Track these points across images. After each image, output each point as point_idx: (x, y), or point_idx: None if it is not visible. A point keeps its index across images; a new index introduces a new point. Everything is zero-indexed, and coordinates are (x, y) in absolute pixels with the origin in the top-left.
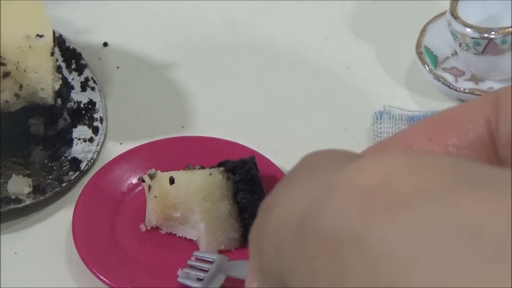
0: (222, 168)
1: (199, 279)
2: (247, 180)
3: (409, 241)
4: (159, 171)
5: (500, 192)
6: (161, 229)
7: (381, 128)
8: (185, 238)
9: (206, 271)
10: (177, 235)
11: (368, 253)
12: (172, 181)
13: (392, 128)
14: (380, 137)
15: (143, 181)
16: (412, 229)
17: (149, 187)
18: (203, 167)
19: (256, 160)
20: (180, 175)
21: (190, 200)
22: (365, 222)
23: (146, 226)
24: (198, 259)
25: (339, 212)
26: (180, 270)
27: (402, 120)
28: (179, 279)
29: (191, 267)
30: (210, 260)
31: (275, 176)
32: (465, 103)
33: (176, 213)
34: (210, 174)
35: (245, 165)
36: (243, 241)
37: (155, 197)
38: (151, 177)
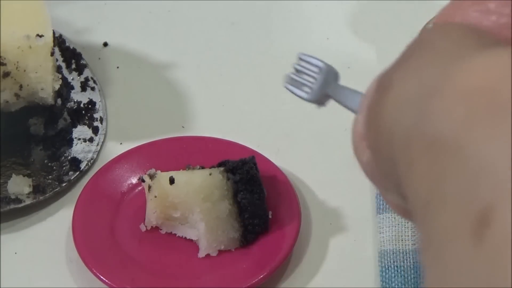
0: (222, 168)
1: (306, 87)
2: (247, 180)
3: (507, 159)
4: (159, 171)
5: None
6: (161, 229)
7: None
8: (185, 238)
9: (314, 78)
10: (177, 235)
11: (469, 165)
12: (172, 181)
13: None
14: None
15: (143, 181)
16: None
17: (149, 187)
18: (203, 167)
19: (256, 160)
20: (180, 175)
21: (190, 200)
22: (467, 129)
23: (146, 226)
24: (303, 61)
25: (443, 115)
26: (287, 74)
27: None
28: (285, 85)
29: (298, 71)
30: (318, 65)
31: (275, 176)
32: None
33: (176, 213)
34: (210, 174)
35: (245, 165)
36: (243, 241)
37: (155, 197)
38: (151, 177)
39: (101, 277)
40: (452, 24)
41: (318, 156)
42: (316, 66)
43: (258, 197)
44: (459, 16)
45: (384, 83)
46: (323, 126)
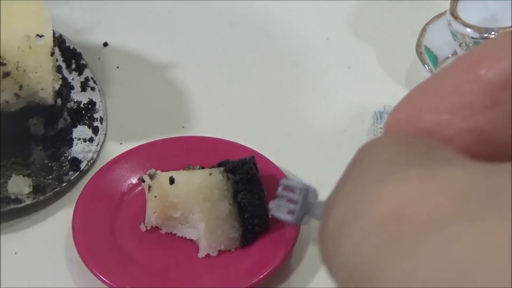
0: (222, 168)
1: (290, 211)
2: (247, 180)
3: (415, 283)
4: (159, 171)
5: (504, 217)
6: (161, 229)
7: (381, 128)
8: (185, 238)
9: (295, 201)
10: (177, 235)
11: None
12: (172, 181)
13: None
14: None
15: (143, 181)
16: (417, 269)
17: (149, 187)
18: (203, 167)
19: (256, 160)
20: (180, 175)
21: (190, 200)
22: (378, 258)
23: (146, 226)
24: (286, 188)
25: (357, 245)
26: (271, 201)
27: None
28: (272, 212)
29: (281, 196)
30: (297, 187)
31: (275, 176)
32: (495, 38)
33: (176, 213)
34: (210, 174)
35: (245, 165)
36: (243, 241)
37: (155, 197)
38: (151, 177)
39: (101, 277)
40: (389, 137)
41: (318, 156)
42: (296, 188)
43: (258, 197)
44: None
45: (326, 207)
46: (323, 126)
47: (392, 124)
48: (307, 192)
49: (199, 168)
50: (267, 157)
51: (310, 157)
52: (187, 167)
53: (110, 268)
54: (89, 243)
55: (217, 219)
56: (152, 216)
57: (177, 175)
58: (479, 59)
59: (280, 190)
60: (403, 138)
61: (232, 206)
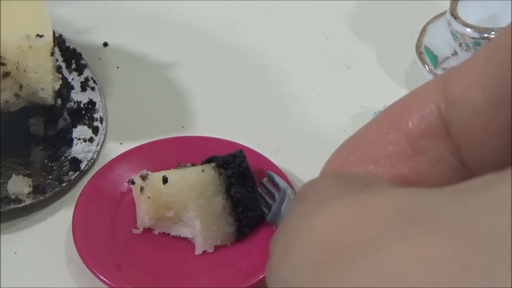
0: (213, 164)
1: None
2: (240, 174)
3: None
4: (149, 172)
5: (431, 233)
6: (153, 230)
7: None
8: (179, 237)
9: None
10: (170, 234)
11: None
12: (165, 180)
13: None
14: None
15: (133, 183)
16: None
17: (141, 188)
18: (193, 164)
19: (245, 153)
20: (172, 174)
21: (184, 198)
22: (314, 283)
23: (138, 229)
24: (270, 181)
25: (294, 271)
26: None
27: None
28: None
29: (264, 187)
30: (280, 186)
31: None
32: (416, 90)
33: (169, 213)
34: (202, 171)
35: (236, 159)
36: (238, 235)
37: (148, 198)
38: (143, 178)
39: (101, 277)
40: (327, 175)
41: (318, 156)
42: (278, 187)
43: (251, 190)
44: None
45: (270, 246)
46: (323, 126)
47: (327, 168)
48: (285, 195)
49: (190, 166)
50: (267, 157)
51: (310, 157)
52: (178, 165)
53: (110, 268)
54: (89, 243)
55: (212, 215)
56: (145, 217)
57: (170, 174)
58: (401, 110)
59: (264, 180)
60: (343, 175)
61: (226, 201)
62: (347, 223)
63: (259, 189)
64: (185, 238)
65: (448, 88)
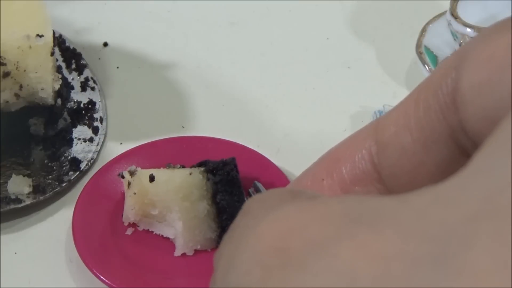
0: (202, 168)
1: None
2: (227, 182)
3: None
4: (139, 168)
5: (378, 230)
6: (138, 226)
7: None
8: (162, 236)
9: None
10: (154, 233)
11: None
12: (152, 178)
13: None
14: None
15: (123, 177)
16: None
17: (129, 183)
18: (183, 166)
19: (236, 162)
20: (160, 173)
21: (169, 198)
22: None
23: (123, 222)
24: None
25: (241, 280)
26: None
27: None
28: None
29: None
30: None
31: (274, 176)
32: (352, 135)
33: (154, 211)
34: (190, 174)
35: (226, 166)
36: (219, 242)
37: (134, 193)
38: (131, 173)
39: (101, 277)
40: (272, 191)
41: (317, 156)
42: None
43: (237, 199)
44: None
45: (214, 261)
46: (323, 126)
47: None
48: None
49: (180, 167)
50: (267, 157)
51: (310, 157)
52: (168, 165)
53: (110, 268)
54: (89, 243)
55: (195, 219)
56: (130, 212)
57: (158, 173)
58: (335, 156)
59: (251, 190)
60: (288, 189)
61: (210, 206)
62: (292, 228)
63: (245, 198)
64: (168, 238)
65: (380, 132)
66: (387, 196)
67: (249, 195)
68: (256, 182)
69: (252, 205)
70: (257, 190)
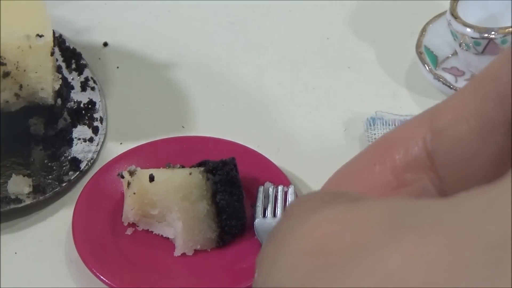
0: (202, 168)
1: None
2: (227, 181)
3: None
4: (138, 168)
5: (427, 234)
6: (138, 226)
7: (374, 134)
8: (161, 236)
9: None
10: (153, 233)
11: None
12: (152, 178)
13: None
14: None
15: (122, 177)
16: None
17: (128, 183)
18: (183, 166)
19: (236, 162)
20: (160, 173)
21: (168, 198)
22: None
23: (123, 222)
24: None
25: (283, 281)
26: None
27: (395, 124)
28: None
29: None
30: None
31: (274, 176)
32: (406, 122)
33: (154, 211)
34: (190, 174)
35: (226, 166)
36: (219, 242)
37: (134, 193)
38: (131, 173)
39: (101, 277)
40: (315, 193)
41: (317, 156)
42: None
43: (236, 199)
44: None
45: (257, 263)
46: (323, 126)
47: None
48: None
49: (180, 167)
50: (267, 156)
51: (310, 156)
52: (167, 165)
53: (110, 268)
54: (89, 243)
55: (194, 218)
56: (129, 212)
57: (157, 173)
58: (389, 142)
59: (261, 189)
60: (330, 192)
61: (210, 206)
62: (336, 230)
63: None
64: (167, 238)
65: (435, 120)
66: (435, 199)
67: (257, 194)
68: (267, 182)
69: (294, 207)
70: (267, 190)
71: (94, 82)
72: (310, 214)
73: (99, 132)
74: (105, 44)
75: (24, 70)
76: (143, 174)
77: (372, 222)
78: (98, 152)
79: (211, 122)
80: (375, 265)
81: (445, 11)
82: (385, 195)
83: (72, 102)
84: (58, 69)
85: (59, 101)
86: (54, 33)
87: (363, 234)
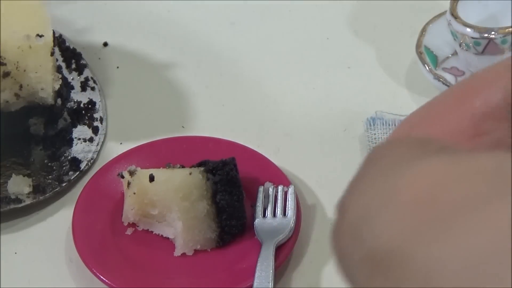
0: (202, 168)
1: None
2: (227, 181)
3: (455, 260)
4: (138, 168)
5: None
6: (138, 226)
7: (374, 134)
8: (162, 236)
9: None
10: (153, 233)
11: (419, 272)
12: (152, 178)
13: (385, 133)
14: (374, 143)
15: (122, 177)
16: (456, 248)
17: (128, 183)
18: (183, 166)
19: (236, 162)
20: (160, 173)
21: (168, 198)
22: (411, 240)
23: (123, 222)
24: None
25: (385, 231)
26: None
27: (395, 124)
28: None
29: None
30: None
31: (274, 175)
32: (487, 68)
33: (154, 211)
34: (190, 174)
35: (226, 166)
36: (219, 242)
37: (134, 193)
38: (131, 173)
39: (101, 276)
40: (398, 139)
41: (317, 156)
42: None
43: (237, 199)
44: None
45: (340, 209)
46: (323, 126)
47: (393, 136)
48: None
49: (180, 167)
50: (267, 156)
51: (310, 156)
52: (167, 165)
53: (109, 268)
54: (89, 243)
55: (194, 218)
56: (130, 212)
57: (157, 173)
58: (468, 89)
59: (261, 189)
60: (414, 138)
61: (210, 206)
62: (445, 182)
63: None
64: (167, 238)
65: None
66: None
67: (257, 194)
68: (267, 182)
69: (378, 153)
70: (267, 190)
71: (94, 82)
72: (407, 162)
73: (99, 132)
74: (105, 44)
75: (24, 70)
76: (143, 174)
77: (482, 176)
78: (98, 152)
79: (211, 122)
80: (486, 220)
81: (445, 11)
82: (460, 144)
83: (72, 102)
84: (58, 69)
85: (59, 101)
86: (54, 33)
87: (474, 187)
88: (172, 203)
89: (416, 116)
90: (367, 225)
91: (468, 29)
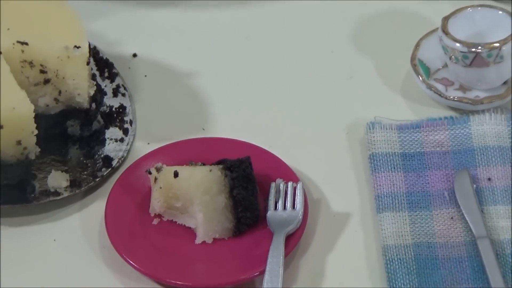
0: (221, 166)
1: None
2: (243, 178)
3: None
4: (164, 165)
5: None
6: (163, 217)
7: (374, 136)
8: (184, 225)
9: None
10: (177, 223)
11: None
12: (176, 174)
13: (383, 136)
14: (374, 145)
15: (150, 173)
16: None
17: (155, 179)
18: (204, 164)
19: (251, 160)
20: (183, 170)
21: (191, 192)
22: None
23: (150, 213)
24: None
25: None
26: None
27: (392, 129)
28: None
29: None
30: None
31: (285, 173)
32: None
33: (177, 203)
34: (210, 171)
35: (242, 164)
36: (235, 232)
37: (160, 188)
38: (158, 170)
39: (130, 261)
40: None
41: (323, 155)
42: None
43: (251, 193)
44: None
45: None
46: (328, 129)
47: None
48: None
49: (201, 165)
50: (279, 156)
51: (317, 156)
52: (190, 163)
53: (138, 254)
54: (120, 232)
55: (214, 211)
56: (156, 204)
57: (181, 170)
58: None
59: (273, 184)
60: None
61: (228, 200)
62: None
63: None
64: (189, 228)
65: None
66: None
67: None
68: (278, 178)
69: None
70: (278, 186)
71: (125, 88)
72: None
73: (129, 133)
74: (134, 55)
75: (63, 78)
76: (168, 170)
77: None
78: (128, 151)
79: (229, 125)
80: None
81: (437, 28)
82: None
83: (105, 107)
84: (93, 77)
85: (93, 105)
86: (89, 44)
87: None
88: (194, 197)
89: None
90: None
91: (458, 44)
